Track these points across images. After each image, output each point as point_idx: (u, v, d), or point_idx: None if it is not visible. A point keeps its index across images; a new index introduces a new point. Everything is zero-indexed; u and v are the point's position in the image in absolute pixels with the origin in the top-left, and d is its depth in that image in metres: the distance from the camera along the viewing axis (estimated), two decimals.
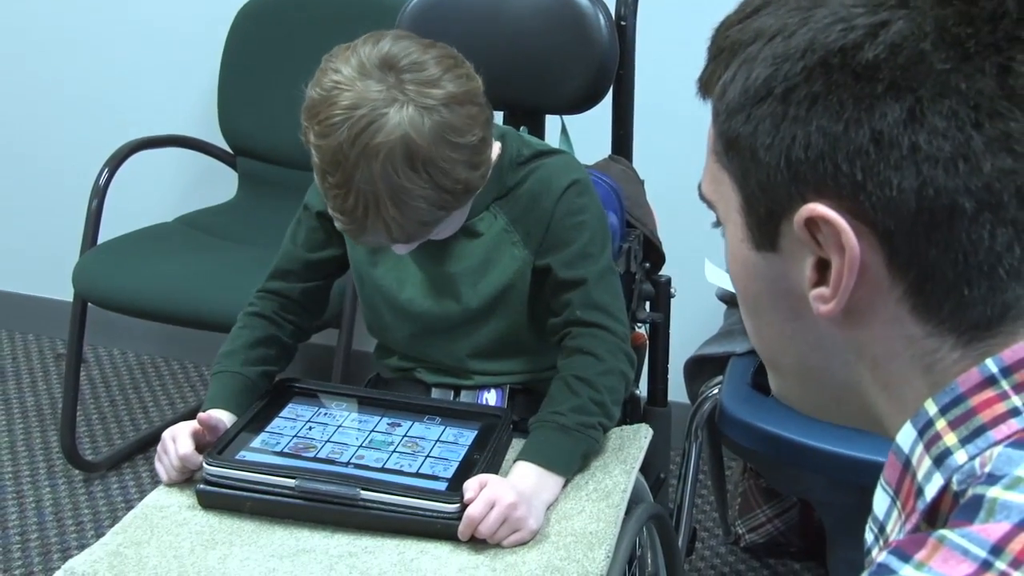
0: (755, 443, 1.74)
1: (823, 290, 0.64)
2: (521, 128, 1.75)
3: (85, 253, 2.40)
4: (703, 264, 2.03)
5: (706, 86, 0.69)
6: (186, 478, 1.39)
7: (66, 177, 2.90)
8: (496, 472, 1.35)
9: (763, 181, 0.65)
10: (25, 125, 3.03)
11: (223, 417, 1.43)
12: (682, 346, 1.99)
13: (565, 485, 1.36)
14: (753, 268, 0.69)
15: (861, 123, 0.61)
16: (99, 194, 2.42)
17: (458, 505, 1.26)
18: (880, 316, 0.64)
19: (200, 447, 1.38)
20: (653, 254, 1.79)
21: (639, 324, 1.79)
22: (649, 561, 1.58)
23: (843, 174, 0.61)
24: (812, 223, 0.63)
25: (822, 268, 0.64)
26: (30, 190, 3.07)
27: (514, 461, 1.35)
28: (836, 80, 0.61)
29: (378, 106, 1.27)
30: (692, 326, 2.12)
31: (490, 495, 1.25)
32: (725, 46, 0.67)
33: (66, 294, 2.46)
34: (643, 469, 1.51)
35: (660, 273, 1.81)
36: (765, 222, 0.66)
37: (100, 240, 2.43)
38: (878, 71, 0.60)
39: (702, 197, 0.72)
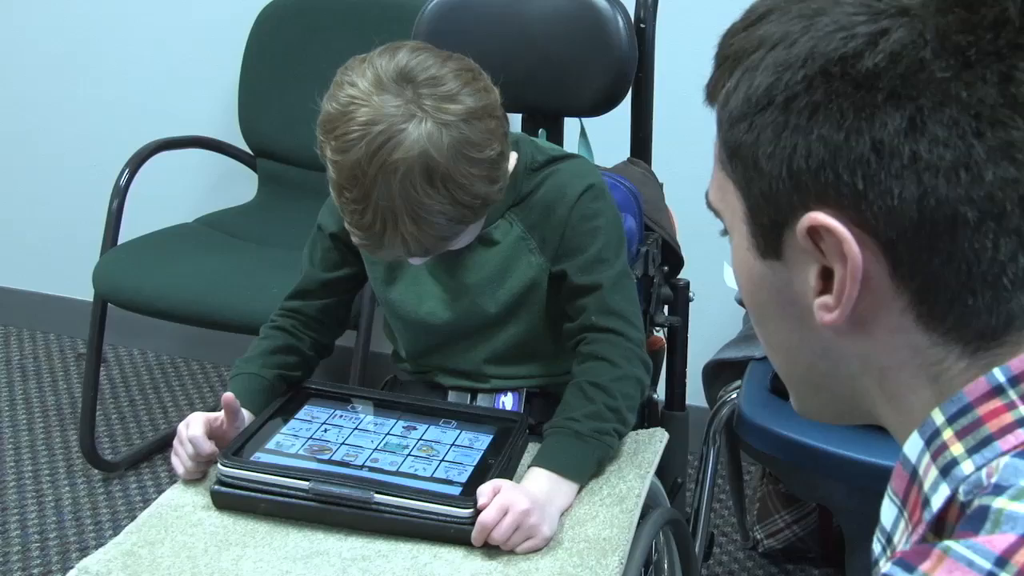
0: (774, 448, 1.73)
1: (827, 299, 0.64)
2: (540, 131, 1.75)
3: (105, 253, 2.41)
4: (722, 268, 2.02)
5: (711, 94, 0.69)
6: (201, 473, 1.39)
7: (87, 177, 2.92)
8: (511, 477, 1.35)
9: (766, 190, 0.65)
10: (46, 126, 3.04)
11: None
12: (700, 350, 1.98)
13: (579, 491, 1.35)
14: (759, 277, 0.69)
15: (862, 132, 0.60)
16: (120, 194, 2.43)
17: (471, 510, 1.26)
18: (885, 326, 0.64)
19: (215, 438, 1.38)
20: (672, 257, 1.78)
21: (657, 328, 1.78)
22: (665, 566, 1.58)
23: (844, 183, 0.61)
24: (815, 232, 0.63)
25: (826, 277, 0.64)
26: (51, 190, 3.09)
27: (528, 467, 1.35)
28: (836, 89, 0.61)
29: (396, 122, 1.26)
30: (711, 330, 2.11)
31: (503, 501, 1.25)
32: (729, 54, 0.66)
33: (86, 294, 2.47)
34: (660, 474, 1.51)
35: (679, 277, 1.80)
36: (769, 231, 0.66)
37: (120, 240, 2.44)
38: (878, 80, 0.60)
39: (709, 206, 0.72)
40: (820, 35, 0.62)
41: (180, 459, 1.38)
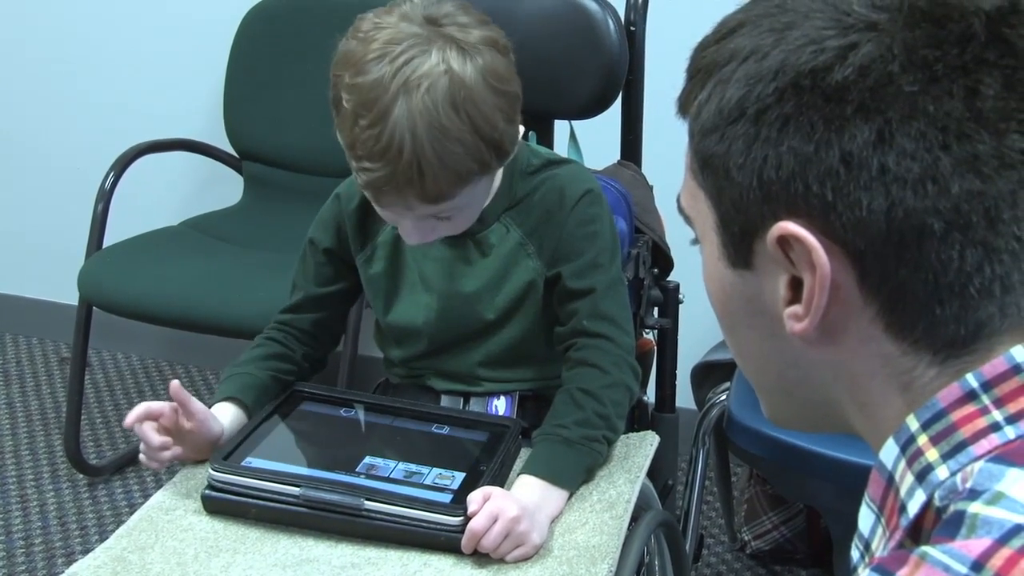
0: (763, 449, 1.74)
1: (796, 308, 0.65)
2: (530, 133, 1.74)
3: (90, 257, 2.39)
4: None
5: (683, 106, 0.70)
6: (161, 465, 1.37)
7: (72, 180, 2.90)
8: (503, 484, 1.34)
9: (736, 200, 0.66)
10: (31, 128, 3.03)
11: (228, 409, 1.42)
12: (690, 352, 1.98)
13: (569, 499, 1.34)
14: (729, 286, 0.70)
15: (831, 144, 0.61)
16: (105, 197, 2.42)
17: (462, 518, 1.25)
18: (855, 335, 0.65)
19: (171, 432, 1.36)
20: (662, 260, 1.78)
21: (647, 330, 1.78)
22: (657, 568, 1.57)
23: (813, 194, 0.62)
24: (784, 241, 0.64)
25: (796, 287, 0.65)
26: (36, 193, 3.07)
27: (518, 474, 1.34)
28: (807, 101, 0.62)
29: (419, 43, 1.25)
30: (700, 332, 2.11)
31: (493, 508, 1.24)
32: (701, 67, 0.67)
33: (71, 298, 2.46)
34: (651, 476, 1.50)
35: (668, 279, 1.81)
36: (739, 240, 0.67)
37: (106, 244, 2.42)
38: (847, 93, 0.61)
39: (681, 211, 0.72)
40: (791, 48, 0.63)
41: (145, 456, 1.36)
